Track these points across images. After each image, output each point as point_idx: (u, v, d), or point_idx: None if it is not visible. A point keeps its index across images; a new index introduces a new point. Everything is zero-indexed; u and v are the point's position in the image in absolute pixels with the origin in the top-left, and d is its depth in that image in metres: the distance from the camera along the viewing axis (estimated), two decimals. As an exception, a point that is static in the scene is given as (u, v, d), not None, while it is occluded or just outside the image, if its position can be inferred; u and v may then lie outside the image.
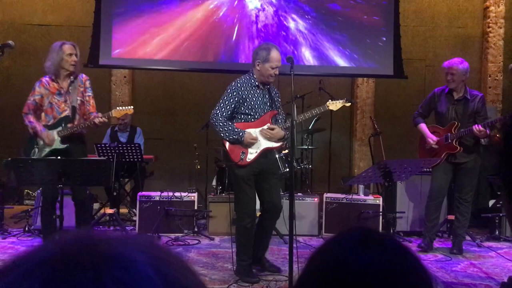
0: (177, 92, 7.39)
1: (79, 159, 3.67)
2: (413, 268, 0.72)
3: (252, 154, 3.90)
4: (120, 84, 7.30)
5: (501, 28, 7.49)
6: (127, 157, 5.73)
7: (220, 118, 3.87)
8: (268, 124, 3.96)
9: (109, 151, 5.58)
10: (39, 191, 5.33)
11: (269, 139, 3.94)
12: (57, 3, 7.29)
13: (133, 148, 5.74)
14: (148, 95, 7.39)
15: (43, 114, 4.34)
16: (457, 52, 7.26)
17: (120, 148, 5.68)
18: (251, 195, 3.93)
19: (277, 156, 4.14)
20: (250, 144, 3.89)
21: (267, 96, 4.00)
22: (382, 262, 0.70)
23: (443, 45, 7.60)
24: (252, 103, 3.92)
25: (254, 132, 3.92)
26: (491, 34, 7.49)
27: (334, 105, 4.21)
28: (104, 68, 6.81)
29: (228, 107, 3.88)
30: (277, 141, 3.98)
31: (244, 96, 3.89)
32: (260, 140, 3.92)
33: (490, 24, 7.50)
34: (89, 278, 0.43)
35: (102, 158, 4.48)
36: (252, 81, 3.94)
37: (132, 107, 4.50)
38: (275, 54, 3.88)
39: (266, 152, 3.98)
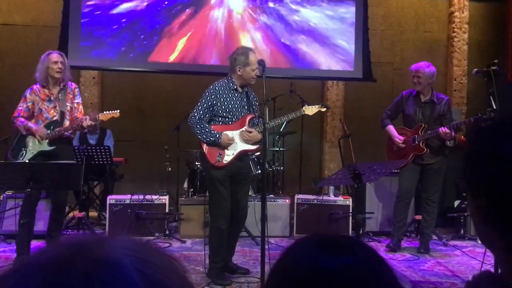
0: (148, 94, 7.32)
1: (48, 163, 3.61)
2: (377, 268, 0.73)
3: (228, 156, 3.94)
4: (89, 85, 7.19)
5: (465, 33, 7.72)
6: (96, 159, 5.65)
7: (198, 121, 3.92)
8: (246, 127, 3.99)
9: (78, 153, 5.49)
10: (4, 195, 5.20)
11: (247, 141, 3.97)
12: (23, 2, 7.12)
13: (102, 150, 5.66)
14: (118, 96, 7.29)
15: (33, 120, 4.51)
16: (423, 56, 7.44)
17: (89, 150, 5.59)
18: (226, 197, 3.95)
19: (250, 159, 4.15)
20: (227, 146, 3.92)
21: (245, 100, 4.05)
22: (348, 267, 0.70)
23: (410, 49, 7.78)
24: (230, 106, 3.98)
25: (231, 134, 3.96)
26: (456, 39, 7.71)
27: (310, 110, 4.28)
28: (73, 69, 6.68)
29: (205, 110, 3.94)
30: (254, 144, 4.01)
31: (222, 99, 3.96)
32: (237, 142, 3.96)
33: (455, 29, 7.72)
34: (80, 281, 0.46)
35: (71, 161, 4.42)
36: (231, 84, 4.00)
37: (118, 111, 4.63)
38: (253, 57, 3.98)
39: (242, 155, 4.01)
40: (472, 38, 7.78)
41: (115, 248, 0.51)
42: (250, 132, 3.96)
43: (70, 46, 6.49)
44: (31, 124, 4.46)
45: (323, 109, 4.41)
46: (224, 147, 3.93)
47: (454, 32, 7.72)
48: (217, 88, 3.98)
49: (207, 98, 3.96)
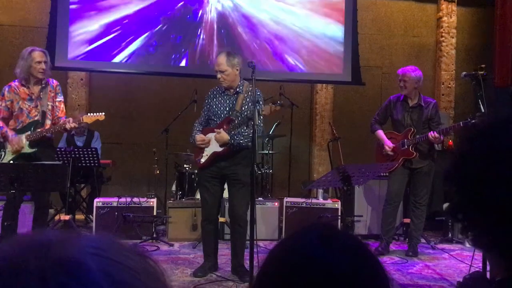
0: (136, 96, 7.26)
1: (33, 164, 3.55)
2: (372, 266, 0.74)
3: (204, 157, 4.09)
4: (76, 87, 7.11)
5: (453, 37, 7.79)
6: (83, 161, 5.58)
7: (196, 124, 4.22)
8: (217, 129, 4.02)
9: (64, 155, 5.41)
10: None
11: (217, 143, 4.02)
12: (10, 2, 7.03)
13: (89, 152, 5.59)
14: (106, 98, 7.22)
15: (12, 120, 4.34)
16: (412, 60, 7.48)
17: (76, 152, 5.52)
18: (207, 197, 4.11)
19: (239, 162, 4.06)
20: (200, 147, 4.09)
21: (234, 102, 4.06)
22: (342, 261, 0.71)
23: (399, 53, 7.82)
24: (216, 109, 4.13)
25: (211, 136, 4.06)
26: (444, 44, 7.77)
27: (266, 109, 4.09)
28: (60, 71, 6.61)
29: (203, 113, 4.24)
30: (222, 145, 4.01)
31: (212, 103, 4.16)
32: (212, 144, 4.05)
33: (443, 34, 7.78)
34: (33, 284, 0.42)
35: (57, 162, 4.35)
36: (218, 88, 4.17)
37: (103, 113, 4.49)
38: (217, 57, 4.10)
39: (219, 157, 4.01)
40: (460, 43, 7.85)
41: (78, 247, 0.46)
42: (219, 133, 3.99)
43: (58, 47, 6.42)
44: (9, 132, 4.25)
45: (277, 108, 4.16)
46: (201, 148, 4.09)
47: (442, 36, 7.78)
48: (209, 93, 4.22)
49: (204, 102, 4.25)
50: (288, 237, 0.78)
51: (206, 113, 4.19)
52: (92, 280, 0.44)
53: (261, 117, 4.01)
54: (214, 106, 4.12)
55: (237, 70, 4.05)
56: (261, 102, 3.96)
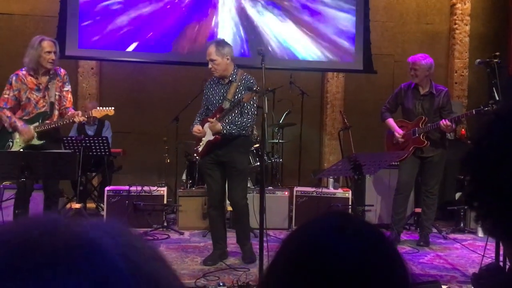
0: (146, 85, 7.26)
1: (43, 152, 3.56)
2: (389, 256, 0.72)
3: (200, 146, 4.20)
4: (87, 76, 7.13)
5: (467, 25, 7.65)
6: (94, 150, 5.60)
7: (198, 115, 4.32)
8: (214, 119, 4.05)
9: (75, 144, 5.44)
10: (1, 186, 5.16)
11: (211, 132, 4.09)
12: (20, -8, 7.05)
13: (100, 141, 5.61)
14: (116, 87, 7.23)
15: (20, 109, 4.30)
16: (424, 48, 7.37)
17: (87, 141, 5.54)
18: (210, 183, 4.23)
19: (235, 150, 4.13)
20: (198, 136, 4.18)
21: (227, 91, 4.12)
22: (359, 250, 0.69)
23: (411, 40, 7.71)
24: (211, 98, 4.22)
25: (206, 126, 4.15)
26: (457, 31, 7.64)
27: (245, 96, 4.05)
28: (71, 60, 6.62)
29: (203, 104, 4.33)
30: (214, 134, 4.08)
31: (208, 93, 4.25)
32: (207, 133, 4.14)
33: (457, 21, 7.65)
34: (46, 264, 0.39)
35: (67, 150, 4.36)
36: (214, 78, 4.24)
37: (113, 108, 4.45)
38: (207, 48, 4.14)
39: (214, 145, 4.09)
40: (474, 30, 7.71)
41: (95, 228, 0.44)
42: (211, 122, 4.03)
43: (68, 36, 6.42)
44: (18, 123, 4.22)
45: (254, 94, 4.12)
46: (199, 137, 4.18)
47: (455, 24, 7.65)
48: (207, 83, 4.33)
49: (203, 92, 4.34)
50: (301, 226, 0.77)
51: (204, 103, 4.30)
52: (111, 262, 0.41)
53: (255, 105, 4.08)
54: (210, 96, 4.22)
55: (227, 59, 4.09)
56: (255, 89, 3.96)
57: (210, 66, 4.09)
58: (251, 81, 4.08)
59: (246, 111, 4.02)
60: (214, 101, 4.18)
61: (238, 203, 4.19)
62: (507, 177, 0.77)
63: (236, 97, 4.07)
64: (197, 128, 4.17)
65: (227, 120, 4.03)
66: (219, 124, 4.01)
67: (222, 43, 4.17)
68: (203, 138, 4.16)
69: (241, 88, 4.09)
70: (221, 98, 4.14)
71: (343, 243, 0.69)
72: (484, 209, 0.82)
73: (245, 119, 4.03)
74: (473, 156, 0.86)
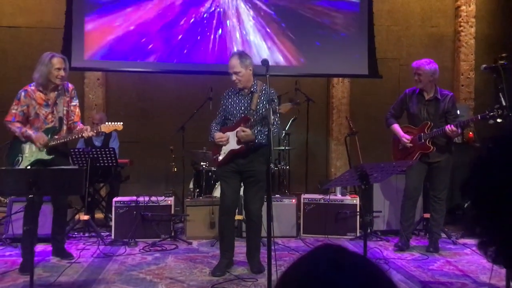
0: (152, 94, 7.29)
1: (50, 168, 3.58)
2: None
3: (221, 155, 4.18)
4: (93, 87, 7.17)
5: (472, 27, 7.62)
6: (101, 161, 5.63)
7: (213, 124, 4.31)
8: (242, 127, 4.07)
9: (83, 156, 5.47)
10: (10, 199, 5.19)
11: (240, 140, 4.08)
12: (26, 4, 7.11)
13: (107, 152, 5.64)
14: (122, 97, 7.27)
15: (28, 125, 4.33)
16: (430, 51, 7.35)
17: (95, 153, 5.57)
18: (225, 191, 4.17)
19: (256, 159, 4.11)
20: (219, 145, 4.15)
21: (249, 101, 4.16)
22: (359, 285, 0.69)
23: (416, 44, 7.69)
24: (232, 108, 4.22)
25: (229, 134, 4.14)
26: (462, 33, 7.61)
27: (284, 107, 4.14)
28: (77, 71, 6.66)
29: (219, 114, 4.33)
30: (239, 143, 4.09)
31: (227, 103, 4.25)
32: (230, 142, 4.14)
33: (462, 23, 7.61)
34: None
35: (74, 167, 4.39)
36: (232, 89, 4.26)
37: (121, 123, 4.47)
38: (230, 60, 4.16)
39: (236, 154, 4.10)
40: (479, 32, 7.67)
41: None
42: (244, 131, 4.04)
43: (74, 47, 6.47)
44: (30, 131, 4.27)
45: (295, 106, 4.23)
46: (219, 146, 4.16)
47: (461, 26, 7.62)
48: (224, 94, 4.31)
49: (220, 103, 4.34)
50: (297, 261, 0.77)
51: (222, 113, 4.28)
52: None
53: (278, 115, 4.07)
54: (230, 106, 4.22)
55: (250, 70, 4.16)
56: (275, 100, 4.06)
57: (234, 78, 4.11)
58: (272, 91, 4.09)
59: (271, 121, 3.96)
60: (235, 112, 4.18)
61: (255, 213, 4.16)
62: (508, 206, 0.76)
63: (258, 107, 4.12)
64: (219, 135, 4.15)
65: (255, 131, 4.06)
66: (252, 133, 4.03)
67: (244, 55, 4.21)
68: (223, 147, 4.15)
69: (262, 98, 4.13)
70: (242, 108, 4.17)
71: (344, 279, 0.69)
72: (486, 236, 0.81)
73: (271, 129, 4.02)
74: (475, 180, 0.85)
